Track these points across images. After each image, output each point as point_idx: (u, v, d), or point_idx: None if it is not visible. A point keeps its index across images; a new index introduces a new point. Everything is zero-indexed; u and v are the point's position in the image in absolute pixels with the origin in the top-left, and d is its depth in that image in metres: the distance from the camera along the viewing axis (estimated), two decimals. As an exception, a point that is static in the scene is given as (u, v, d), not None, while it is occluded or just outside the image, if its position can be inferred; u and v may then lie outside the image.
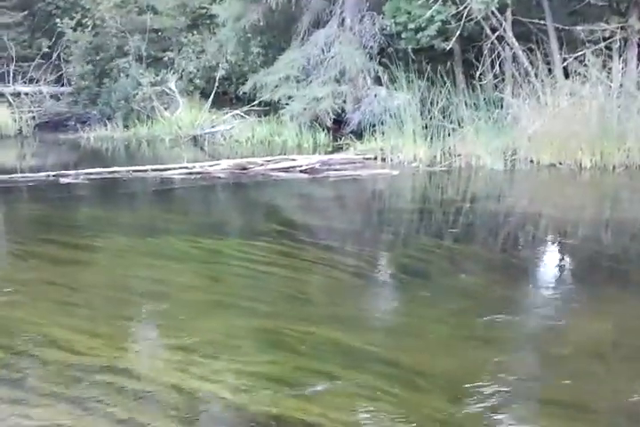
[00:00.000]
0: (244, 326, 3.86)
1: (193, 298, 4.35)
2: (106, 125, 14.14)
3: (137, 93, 14.22)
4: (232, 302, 4.27)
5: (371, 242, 6.00)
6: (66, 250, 5.47)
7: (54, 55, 16.10)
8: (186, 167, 9.29)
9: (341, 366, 3.31)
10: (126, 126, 14.10)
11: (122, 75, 14.85)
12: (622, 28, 10.66)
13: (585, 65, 10.47)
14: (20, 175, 8.76)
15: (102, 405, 2.93)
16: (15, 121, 14.73)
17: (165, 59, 15.11)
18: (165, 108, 13.97)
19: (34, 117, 15.12)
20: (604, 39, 10.68)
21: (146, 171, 9.06)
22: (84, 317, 4.00)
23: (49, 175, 8.65)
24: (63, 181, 8.50)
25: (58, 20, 15.63)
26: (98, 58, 15.47)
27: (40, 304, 4.21)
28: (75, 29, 15.38)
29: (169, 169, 9.23)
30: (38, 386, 3.09)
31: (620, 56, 10.63)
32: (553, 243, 6.15)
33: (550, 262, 5.50)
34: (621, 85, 10.15)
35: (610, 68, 10.46)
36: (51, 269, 4.96)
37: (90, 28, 15.34)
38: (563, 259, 5.64)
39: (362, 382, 3.13)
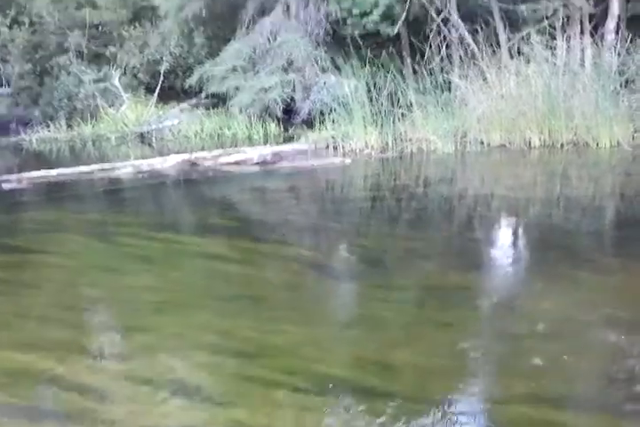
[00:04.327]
0: (200, 326, 3.76)
1: (147, 298, 4.24)
2: (49, 126, 13.70)
3: (80, 91, 13.83)
4: (188, 301, 4.18)
5: (326, 233, 5.94)
6: (16, 254, 5.30)
7: (-10, 56, 15.58)
8: (133, 165, 9.08)
9: (302, 362, 3.25)
10: (70, 126, 13.68)
11: (63, 72, 14.42)
12: (564, 5, 10.75)
13: (530, 44, 10.55)
14: (-41, 182, 8.45)
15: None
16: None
17: (107, 54, 14.73)
18: (110, 106, 13.60)
19: (-28, 121, 14.64)
20: (547, 18, 10.77)
21: (92, 171, 8.82)
22: (36, 320, 3.88)
23: (-9, 181, 8.35)
24: (6, 186, 8.20)
25: (-9, 18, 15.12)
26: (37, 56, 14.97)
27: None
28: (10, 27, 14.86)
29: (116, 168, 9.01)
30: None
31: (564, 34, 10.73)
32: (505, 223, 6.19)
33: (503, 243, 5.52)
34: (565, 64, 10.26)
35: (554, 47, 10.56)
36: (2, 276, 4.78)
37: (27, 26, 14.85)
38: (516, 239, 5.66)
39: (326, 379, 3.07)
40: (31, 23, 14.91)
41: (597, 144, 9.33)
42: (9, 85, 15.32)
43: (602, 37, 10.70)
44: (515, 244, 5.51)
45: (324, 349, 3.43)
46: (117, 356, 3.49)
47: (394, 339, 3.53)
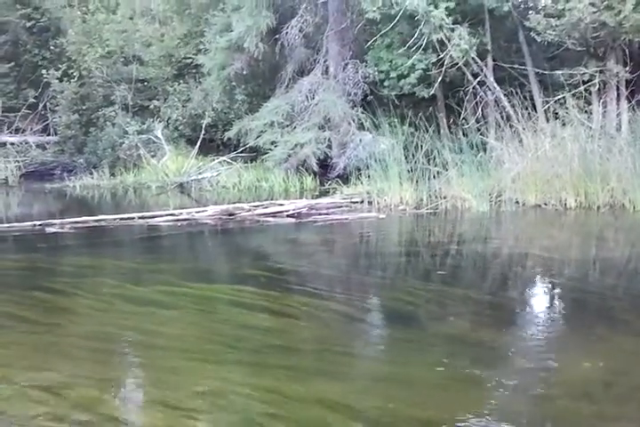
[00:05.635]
0: (230, 378, 3.77)
1: (178, 347, 4.27)
2: (92, 174, 14.15)
3: (123, 142, 14.30)
4: (219, 351, 4.20)
5: (359, 286, 5.96)
6: (52, 295, 5.41)
7: (40, 105, 16.26)
8: (173, 214, 9.28)
9: (325, 415, 3.24)
10: (113, 174, 14.13)
11: (108, 124, 14.97)
12: (601, 71, 10.91)
13: (565, 108, 10.68)
14: (5, 225, 8.68)
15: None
16: (0, 171, 14.77)
17: (151, 107, 15.28)
18: (152, 156, 14.03)
19: (20, 167, 15.16)
20: (584, 82, 10.92)
21: (132, 218, 9.02)
22: (68, 365, 3.91)
23: (35, 225, 8.57)
24: (49, 230, 8.43)
25: (44, 70, 15.84)
26: (84, 107, 15.62)
27: (24, 351, 4.16)
28: (61, 80, 15.56)
29: (156, 216, 9.21)
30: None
31: (600, 99, 10.86)
32: (540, 283, 6.14)
33: (538, 303, 5.48)
34: (602, 127, 10.33)
35: (589, 111, 10.67)
36: (36, 317, 4.87)
37: (76, 79, 15.53)
38: (550, 299, 5.61)
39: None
40: (80, 76, 15.60)
41: (634, 207, 9.28)
42: (56, 134, 15.94)
43: (638, 103, 10.78)
44: (548, 304, 5.46)
45: (349, 403, 3.40)
46: (129, 405, 3.52)
47: (421, 396, 3.49)
